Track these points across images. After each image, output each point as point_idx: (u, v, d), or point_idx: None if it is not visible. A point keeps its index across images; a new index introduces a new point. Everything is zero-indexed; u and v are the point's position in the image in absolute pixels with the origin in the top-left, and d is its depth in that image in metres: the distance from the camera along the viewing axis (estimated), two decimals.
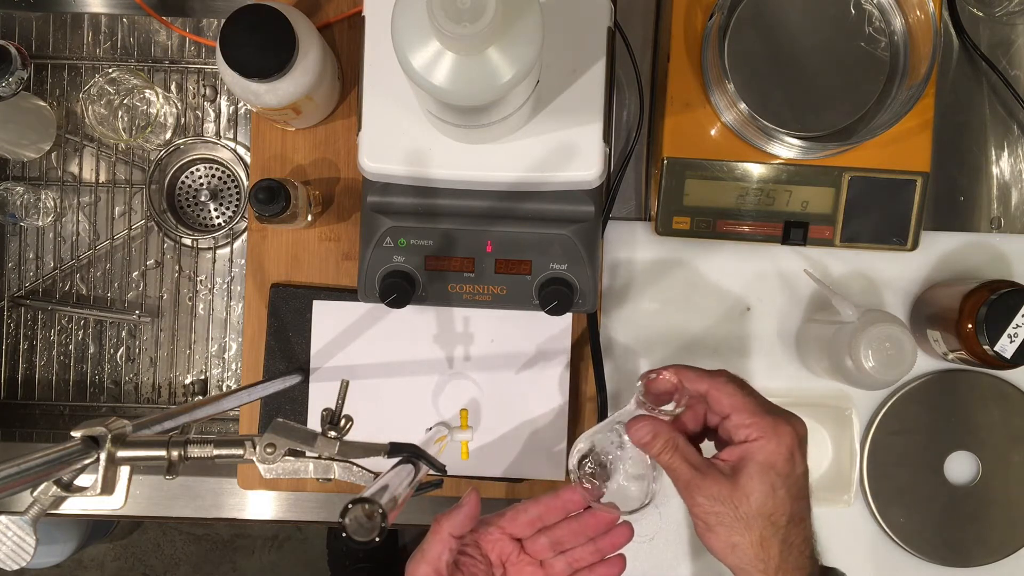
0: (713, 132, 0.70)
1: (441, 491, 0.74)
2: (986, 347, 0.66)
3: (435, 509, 0.76)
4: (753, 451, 0.49)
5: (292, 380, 0.73)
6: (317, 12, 0.75)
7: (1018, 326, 0.65)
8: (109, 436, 0.43)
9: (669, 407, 0.51)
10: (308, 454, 0.45)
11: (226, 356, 0.88)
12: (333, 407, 0.50)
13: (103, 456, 0.43)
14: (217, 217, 0.89)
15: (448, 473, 0.56)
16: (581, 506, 0.55)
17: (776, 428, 0.49)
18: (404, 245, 0.67)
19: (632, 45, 0.71)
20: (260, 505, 0.78)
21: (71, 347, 0.88)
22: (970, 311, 0.67)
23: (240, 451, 0.44)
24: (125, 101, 0.87)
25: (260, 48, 0.61)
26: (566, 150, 0.60)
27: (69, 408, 0.88)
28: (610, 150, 0.69)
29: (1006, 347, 0.65)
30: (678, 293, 0.76)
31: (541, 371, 0.74)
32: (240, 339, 0.87)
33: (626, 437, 0.53)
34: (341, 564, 1.35)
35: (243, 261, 0.88)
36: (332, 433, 0.45)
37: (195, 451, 0.45)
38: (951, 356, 0.71)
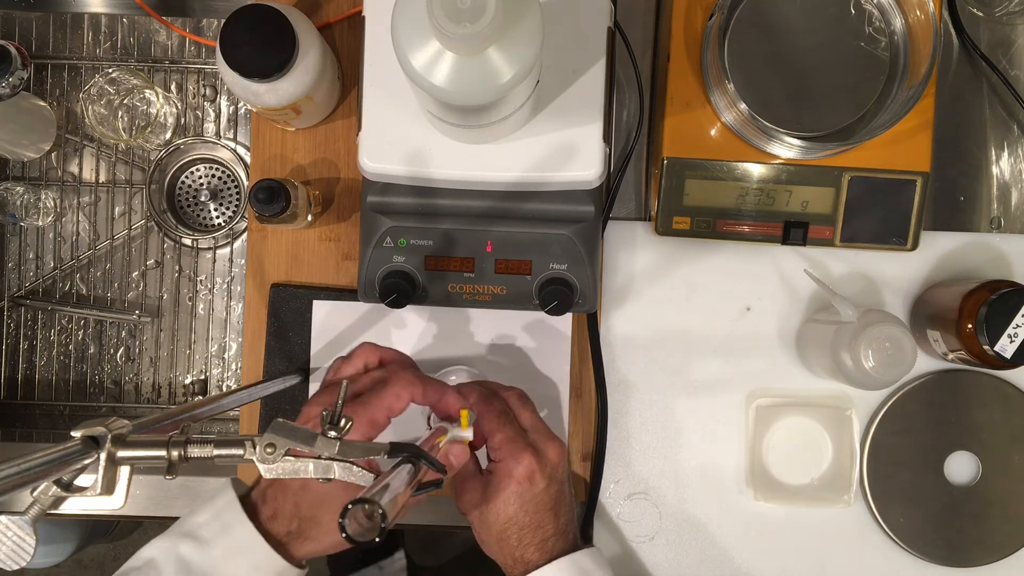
0: (713, 132, 0.70)
1: (441, 491, 0.74)
2: (986, 347, 0.66)
3: (435, 509, 0.76)
4: (498, 471, 0.60)
5: (292, 380, 0.73)
6: (317, 12, 0.75)
7: (1018, 326, 0.65)
8: (109, 436, 0.43)
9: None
10: (308, 454, 0.45)
11: (226, 356, 0.88)
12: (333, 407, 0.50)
13: (103, 456, 0.43)
14: (217, 217, 0.89)
15: (448, 473, 0.56)
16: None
17: (517, 456, 0.59)
18: (404, 245, 0.67)
19: (632, 45, 0.72)
20: None
21: (71, 347, 0.88)
22: (970, 311, 0.67)
23: (240, 451, 0.44)
24: (125, 101, 0.87)
25: (260, 48, 0.61)
26: (566, 150, 0.60)
27: (69, 408, 0.88)
28: (610, 150, 0.69)
29: (1006, 347, 0.65)
30: (678, 293, 0.76)
31: (541, 371, 0.74)
32: (240, 339, 0.87)
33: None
34: (341, 564, 1.35)
35: (243, 261, 0.88)
36: (332, 433, 0.45)
37: (195, 451, 0.45)
38: (951, 356, 0.71)
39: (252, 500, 0.57)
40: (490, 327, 0.74)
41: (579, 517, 0.75)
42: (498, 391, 0.65)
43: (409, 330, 0.74)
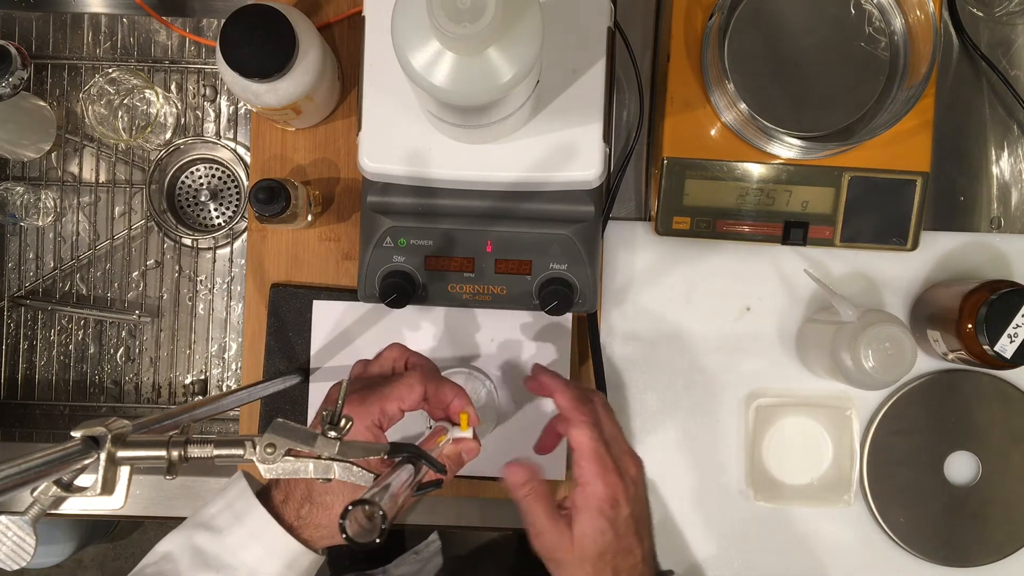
0: (713, 132, 0.70)
1: (441, 492, 0.74)
2: (986, 347, 0.66)
3: (435, 509, 0.76)
4: (585, 497, 0.57)
5: (292, 380, 0.73)
6: (317, 12, 0.75)
7: (1018, 326, 0.65)
8: (109, 436, 0.43)
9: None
10: (308, 454, 0.45)
11: (226, 356, 0.88)
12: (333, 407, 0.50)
13: (103, 456, 0.43)
14: (217, 217, 0.89)
15: (449, 473, 0.56)
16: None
17: (604, 476, 0.56)
18: (404, 245, 0.67)
19: (632, 45, 0.72)
20: None
21: (71, 347, 0.88)
22: (970, 311, 0.67)
23: (240, 451, 0.44)
24: (125, 101, 0.87)
25: (260, 48, 0.61)
26: (566, 150, 0.60)
27: (69, 408, 0.88)
28: (610, 150, 0.69)
29: (1006, 347, 0.65)
30: (678, 293, 0.76)
31: None
32: (240, 339, 0.87)
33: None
34: (340, 564, 1.35)
35: (243, 261, 0.88)
36: (332, 433, 0.45)
37: (195, 451, 0.45)
38: (951, 356, 0.71)
39: (266, 485, 0.57)
40: (490, 327, 0.74)
41: None
42: (589, 395, 0.62)
43: (409, 330, 0.74)
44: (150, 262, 0.88)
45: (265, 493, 0.57)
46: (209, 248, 0.88)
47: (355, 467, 0.45)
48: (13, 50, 0.72)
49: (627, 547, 0.57)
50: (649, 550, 0.60)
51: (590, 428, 0.57)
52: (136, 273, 0.88)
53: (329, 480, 0.45)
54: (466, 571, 1.21)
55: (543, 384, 0.62)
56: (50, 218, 0.87)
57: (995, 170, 0.76)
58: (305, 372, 0.74)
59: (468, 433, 0.59)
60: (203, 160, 0.89)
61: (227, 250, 0.88)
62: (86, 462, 0.43)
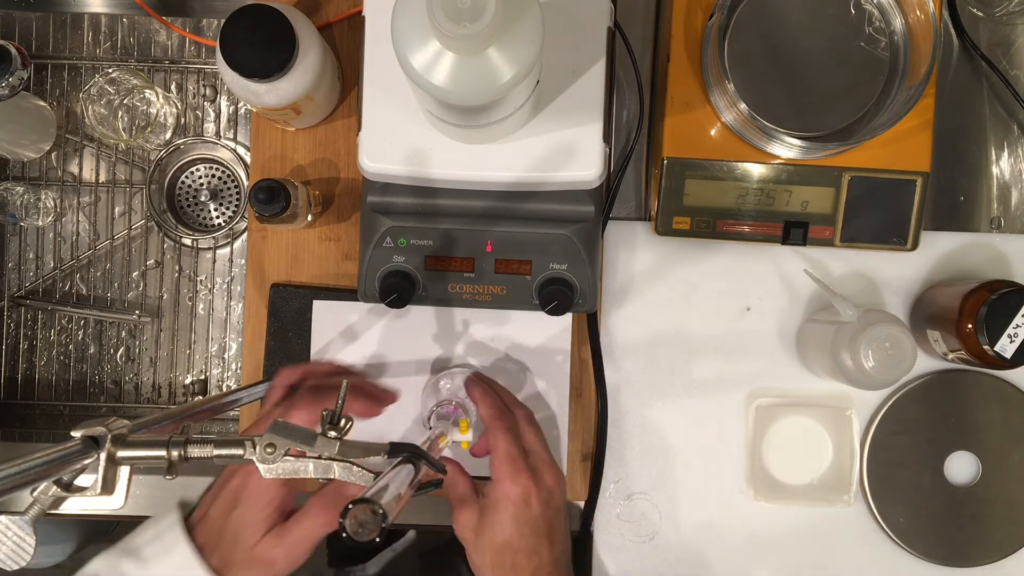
0: (713, 132, 0.70)
1: (441, 492, 0.74)
2: (986, 347, 0.66)
3: (435, 509, 0.76)
4: (495, 492, 0.61)
5: None
6: (317, 12, 0.75)
7: (1018, 326, 0.65)
8: (109, 436, 0.43)
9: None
10: (308, 454, 0.45)
11: (226, 356, 0.88)
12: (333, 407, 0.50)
13: (103, 456, 0.43)
14: (217, 217, 0.89)
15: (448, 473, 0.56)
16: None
17: (515, 476, 0.60)
18: (404, 245, 0.67)
19: (632, 45, 0.72)
20: None
21: (71, 347, 0.88)
22: (970, 311, 0.67)
23: (240, 451, 0.44)
24: (125, 101, 0.87)
25: (260, 48, 0.61)
26: (566, 150, 0.60)
27: (69, 408, 0.87)
28: (610, 150, 0.69)
29: (1006, 347, 0.65)
30: (678, 293, 0.76)
31: (541, 371, 0.74)
32: (240, 339, 0.87)
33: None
34: (341, 564, 1.35)
35: (243, 261, 0.88)
36: (332, 433, 0.45)
37: (195, 451, 0.45)
38: (951, 356, 0.71)
39: (191, 523, 0.58)
40: (490, 327, 0.74)
41: (579, 516, 0.75)
42: (511, 406, 0.66)
43: (409, 330, 0.74)
44: (150, 262, 0.88)
45: (191, 529, 0.58)
46: (209, 248, 0.88)
47: (355, 467, 0.45)
48: (13, 50, 0.72)
49: (532, 547, 0.60)
50: (560, 556, 0.62)
51: (505, 433, 0.62)
52: (136, 273, 0.88)
53: (329, 480, 0.45)
54: (442, 563, 1.23)
55: (471, 394, 0.66)
56: (50, 218, 0.87)
57: (995, 170, 0.76)
58: None
59: (468, 436, 0.60)
60: (203, 160, 0.89)
61: (227, 250, 0.88)
62: (86, 462, 0.43)
